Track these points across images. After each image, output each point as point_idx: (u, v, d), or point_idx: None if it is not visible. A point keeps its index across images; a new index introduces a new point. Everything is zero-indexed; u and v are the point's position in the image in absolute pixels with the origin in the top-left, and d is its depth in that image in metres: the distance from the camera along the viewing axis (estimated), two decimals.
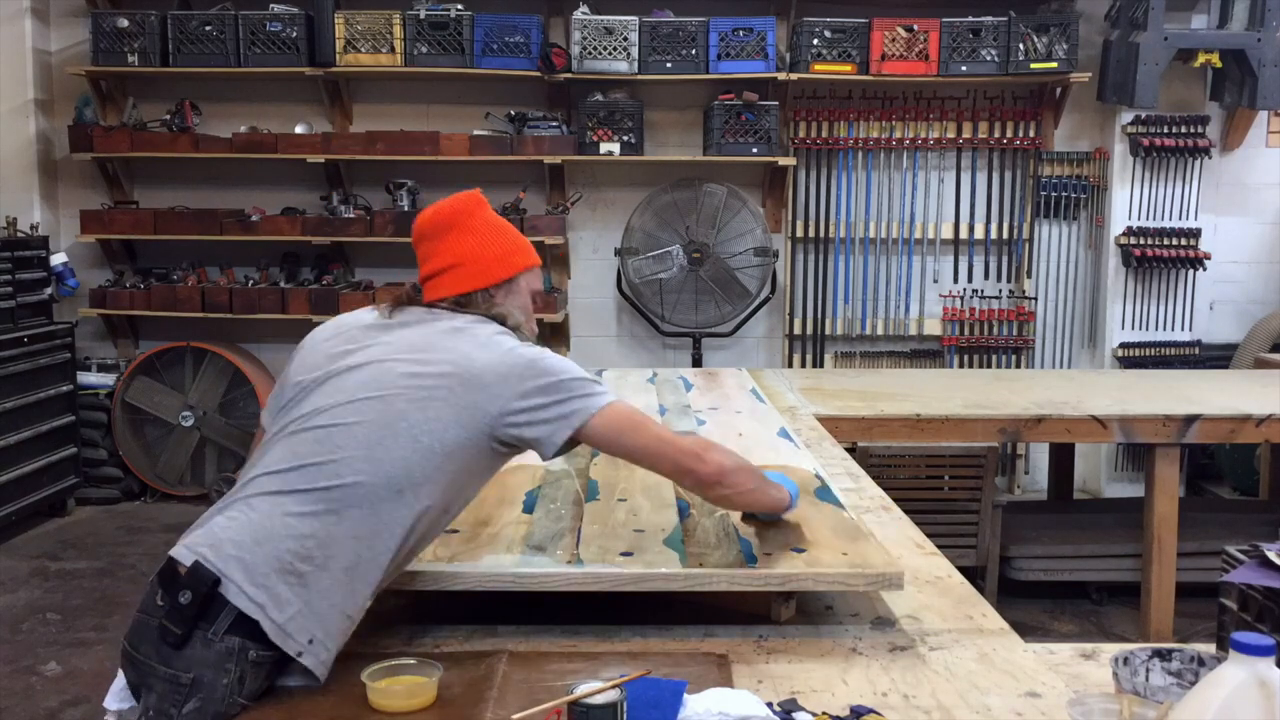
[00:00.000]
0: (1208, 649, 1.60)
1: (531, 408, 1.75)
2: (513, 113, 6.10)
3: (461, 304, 1.91)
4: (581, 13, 5.89)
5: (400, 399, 1.74)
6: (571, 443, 1.79)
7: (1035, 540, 4.69)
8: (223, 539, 1.67)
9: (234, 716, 1.62)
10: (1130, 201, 6.21)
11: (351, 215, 6.06)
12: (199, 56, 5.89)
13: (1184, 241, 6.16)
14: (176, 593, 1.63)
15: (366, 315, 1.97)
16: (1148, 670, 1.54)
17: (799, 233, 6.33)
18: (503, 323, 1.89)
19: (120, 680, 1.76)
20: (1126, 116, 6.14)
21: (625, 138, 6.00)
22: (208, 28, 5.88)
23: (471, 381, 1.75)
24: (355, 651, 1.78)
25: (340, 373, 1.82)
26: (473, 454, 1.76)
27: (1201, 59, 5.88)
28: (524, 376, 1.76)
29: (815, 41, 5.93)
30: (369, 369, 1.80)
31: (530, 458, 2.64)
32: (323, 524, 1.67)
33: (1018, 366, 6.34)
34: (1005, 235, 6.35)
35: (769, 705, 1.54)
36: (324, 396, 1.80)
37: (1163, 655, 1.56)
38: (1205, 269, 6.18)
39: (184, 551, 1.68)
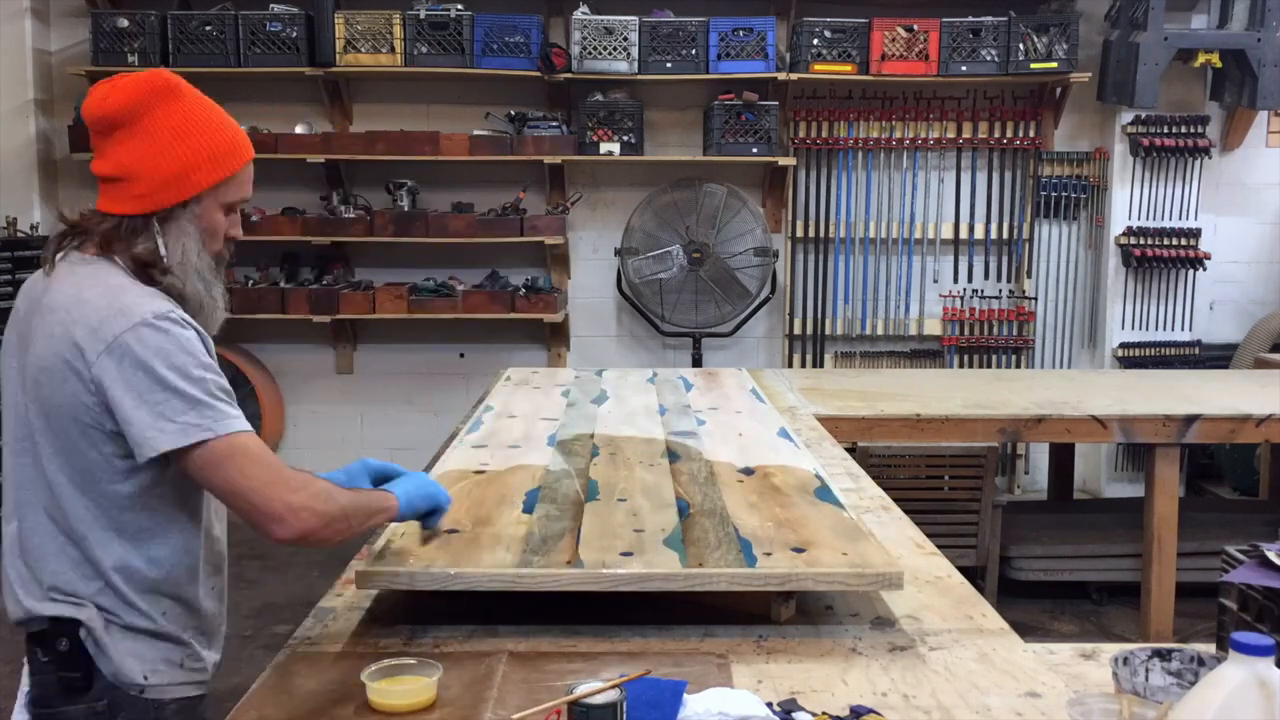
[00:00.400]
0: (1208, 649, 1.60)
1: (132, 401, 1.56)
2: (513, 113, 6.10)
3: (123, 233, 1.65)
4: (581, 13, 5.89)
5: (35, 448, 1.64)
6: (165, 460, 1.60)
7: (1035, 540, 4.70)
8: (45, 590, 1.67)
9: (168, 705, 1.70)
10: (1130, 201, 6.22)
11: (351, 215, 6.06)
12: (199, 56, 5.89)
13: (1184, 241, 6.16)
14: (54, 643, 1.65)
15: (33, 287, 1.71)
16: (1148, 670, 1.55)
17: (799, 233, 6.33)
18: (146, 264, 1.65)
19: (23, 693, 1.76)
20: (1126, 116, 6.14)
21: (625, 138, 6.00)
22: (208, 28, 5.88)
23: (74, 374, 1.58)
24: (355, 651, 1.78)
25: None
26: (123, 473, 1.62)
27: (1201, 59, 5.88)
28: (126, 365, 1.56)
29: (815, 41, 5.93)
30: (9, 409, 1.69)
31: (530, 456, 2.66)
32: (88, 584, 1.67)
33: (1018, 366, 6.34)
34: (1005, 235, 6.36)
35: (769, 705, 1.54)
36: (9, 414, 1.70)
37: (1163, 655, 1.56)
38: (1205, 269, 6.18)
39: (20, 609, 1.69)
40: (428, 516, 1.88)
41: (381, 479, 1.84)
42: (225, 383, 1.64)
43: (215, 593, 1.82)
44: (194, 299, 1.71)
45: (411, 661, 1.62)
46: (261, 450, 1.62)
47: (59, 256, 1.68)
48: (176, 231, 1.68)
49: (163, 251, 1.67)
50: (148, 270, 1.66)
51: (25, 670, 1.74)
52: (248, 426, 1.63)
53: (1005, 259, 6.38)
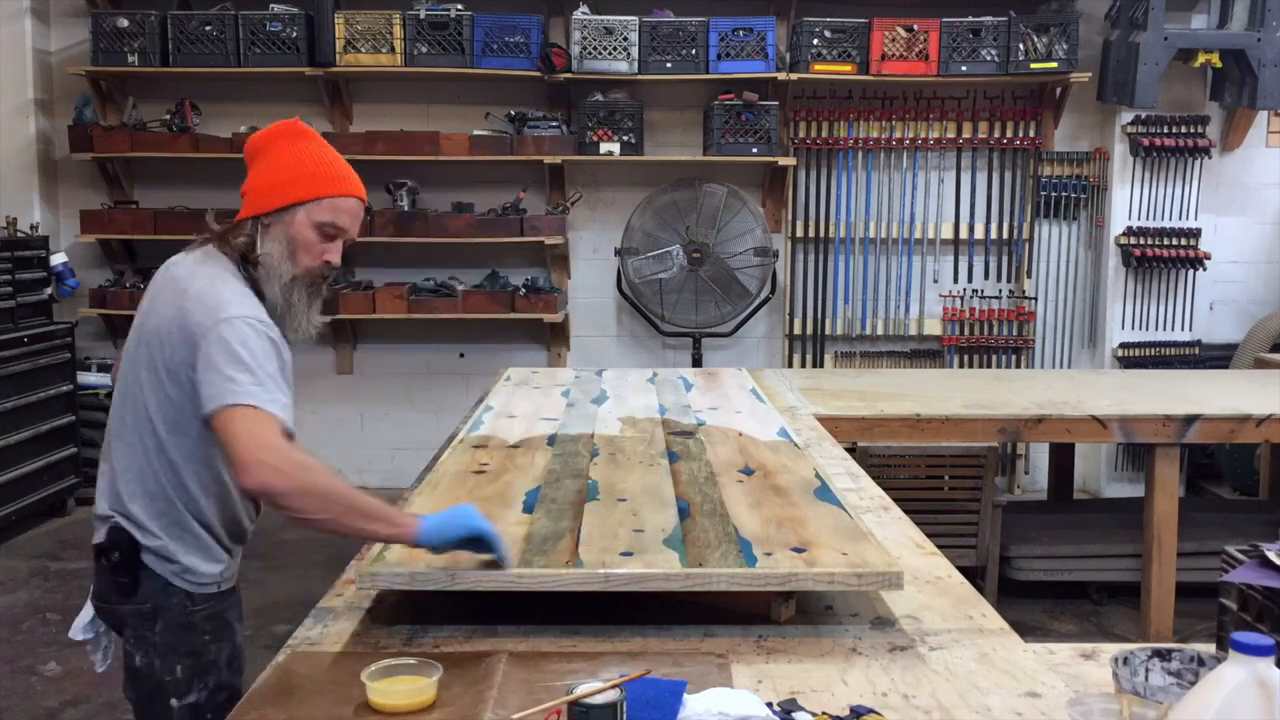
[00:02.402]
0: (1208, 649, 1.60)
1: (201, 371, 1.85)
2: (513, 113, 6.10)
3: (237, 230, 1.99)
4: (581, 13, 5.89)
5: (141, 368, 1.95)
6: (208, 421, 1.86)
7: (1035, 540, 4.69)
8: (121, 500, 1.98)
9: (196, 625, 1.98)
10: (1130, 201, 6.22)
11: None
12: (199, 56, 5.89)
13: (1184, 241, 6.16)
14: (110, 553, 1.97)
15: (172, 264, 2.06)
16: (1147, 670, 1.55)
17: (799, 233, 6.33)
18: (245, 256, 1.97)
19: (85, 616, 2.09)
20: (1126, 116, 6.14)
21: (625, 138, 6.00)
22: (208, 28, 5.88)
23: (170, 340, 1.91)
24: (355, 651, 1.78)
25: (131, 344, 2.02)
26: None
27: (1201, 59, 5.88)
28: (207, 341, 1.85)
29: (815, 41, 5.93)
30: (135, 334, 2.01)
31: (531, 457, 2.66)
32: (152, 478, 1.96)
33: (1018, 366, 6.34)
34: (1005, 235, 6.35)
35: (769, 705, 1.54)
36: (126, 360, 2.02)
37: (1163, 655, 1.56)
38: (1205, 269, 6.18)
39: (98, 521, 2.02)
40: (473, 545, 1.82)
41: (471, 538, 1.83)
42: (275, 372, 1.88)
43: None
44: (271, 301, 1.98)
45: (411, 661, 1.62)
46: (266, 421, 1.80)
47: (195, 244, 2.03)
48: (272, 234, 1.98)
49: (258, 248, 1.97)
50: (246, 261, 1.97)
51: None
52: (274, 409, 1.82)
53: (1005, 259, 6.38)
